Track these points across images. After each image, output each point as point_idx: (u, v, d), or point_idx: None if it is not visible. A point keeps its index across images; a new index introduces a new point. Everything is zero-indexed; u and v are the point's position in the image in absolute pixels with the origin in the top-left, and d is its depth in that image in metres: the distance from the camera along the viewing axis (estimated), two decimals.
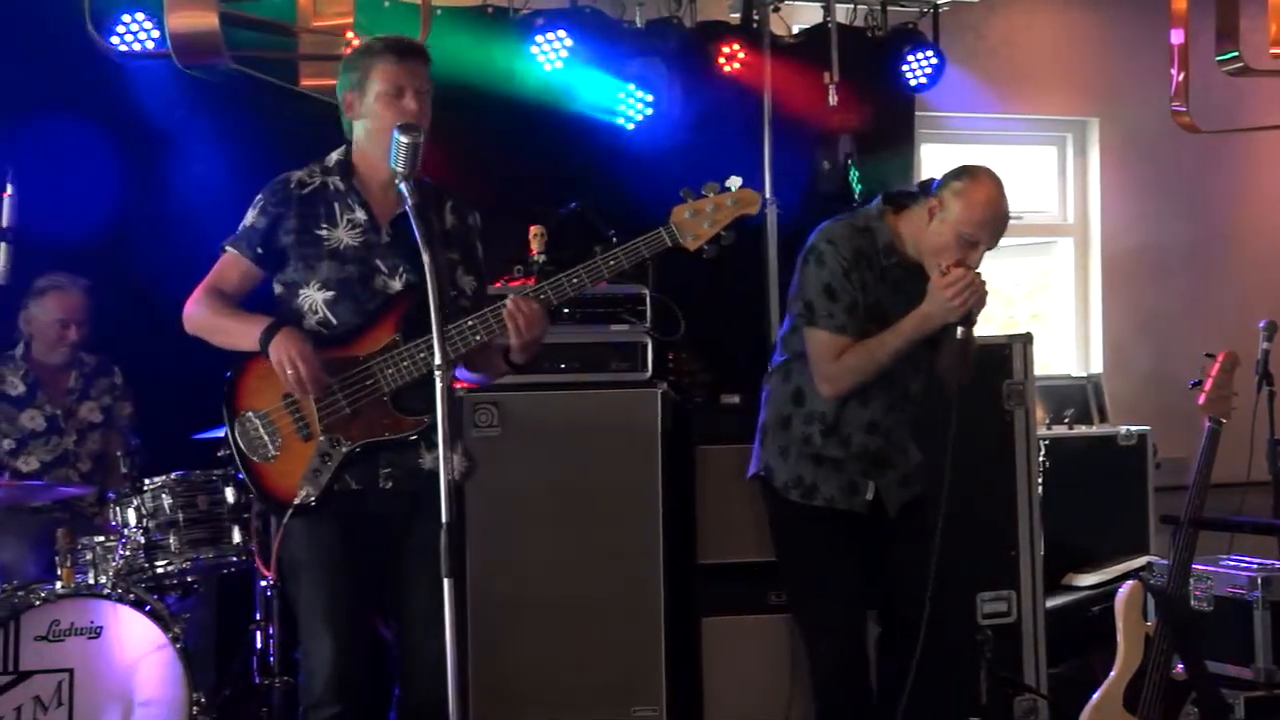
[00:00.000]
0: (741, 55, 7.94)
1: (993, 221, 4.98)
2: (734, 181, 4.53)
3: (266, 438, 4.44)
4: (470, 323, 4.39)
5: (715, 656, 6.50)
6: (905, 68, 8.17)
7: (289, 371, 4.31)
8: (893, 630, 5.29)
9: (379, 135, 4.39)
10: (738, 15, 8.15)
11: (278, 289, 4.56)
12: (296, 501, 4.37)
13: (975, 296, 4.89)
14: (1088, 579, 7.40)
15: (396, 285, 4.46)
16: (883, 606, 5.36)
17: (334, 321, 4.45)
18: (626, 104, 7.71)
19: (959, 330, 4.91)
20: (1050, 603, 6.82)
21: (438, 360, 3.76)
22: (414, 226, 3.88)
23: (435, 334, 3.77)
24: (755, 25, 8.07)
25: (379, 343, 4.41)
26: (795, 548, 5.36)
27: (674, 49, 7.89)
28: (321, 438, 4.39)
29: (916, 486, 5.30)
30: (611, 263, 4.46)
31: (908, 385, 5.23)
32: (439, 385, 3.77)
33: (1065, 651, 6.87)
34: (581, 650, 6.29)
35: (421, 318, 4.08)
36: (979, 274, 4.94)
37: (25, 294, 6.37)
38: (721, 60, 7.94)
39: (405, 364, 4.38)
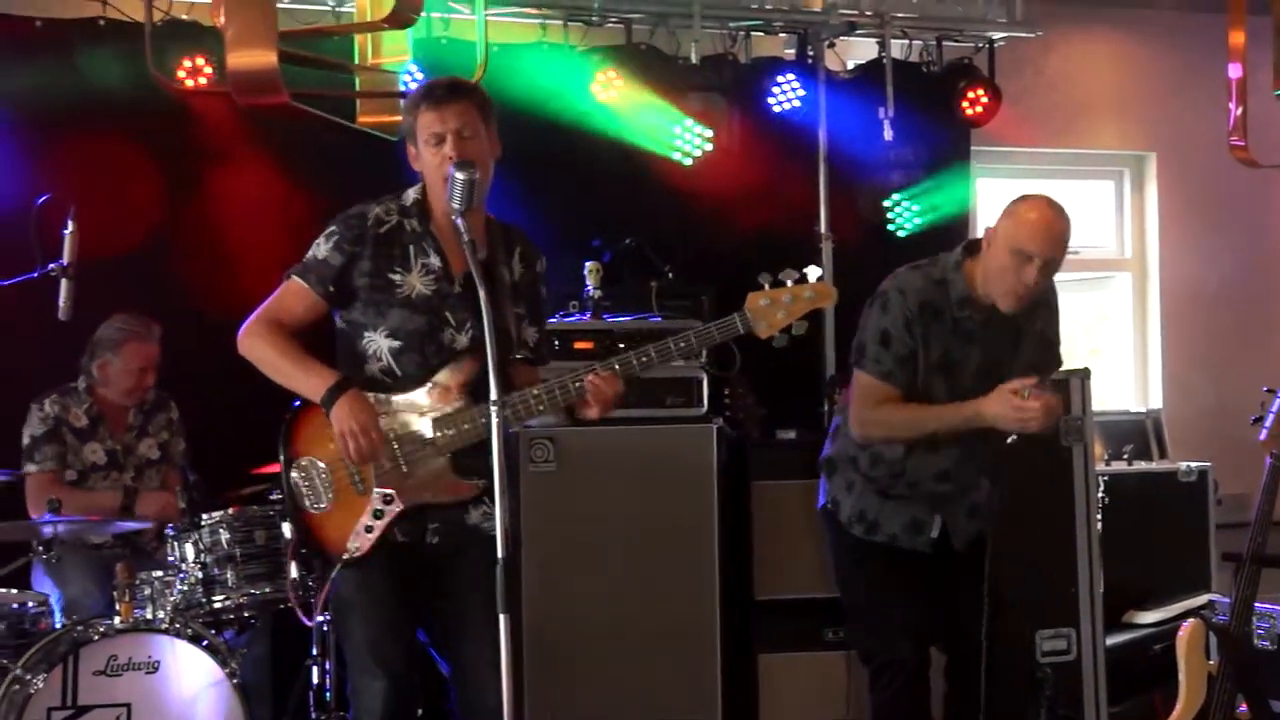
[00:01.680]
0: (796, 91, 7.94)
1: (1043, 234, 4.90)
2: (812, 272, 4.49)
3: (321, 488, 4.40)
4: (536, 392, 4.34)
5: (772, 693, 6.47)
6: (961, 102, 8.15)
7: (350, 444, 4.27)
8: (957, 661, 5.25)
9: (434, 182, 4.38)
10: (792, 51, 8.15)
11: (341, 324, 4.50)
12: (346, 556, 4.34)
13: (1038, 425, 4.84)
14: (1149, 617, 7.31)
15: (463, 341, 4.40)
16: (946, 638, 5.32)
17: (398, 373, 4.40)
18: (684, 139, 7.71)
19: (1011, 436, 4.90)
20: (1111, 641, 6.76)
21: (493, 428, 3.80)
22: (480, 292, 3.89)
23: (494, 390, 3.78)
24: (810, 61, 8.07)
25: (441, 402, 4.36)
26: (857, 581, 5.34)
27: (728, 85, 7.91)
28: (376, 493, 4.35)
29: (984, 519, 5.24)
30: (683, 344, 4.43)
31: (984, 435, 5.12)
32: (495, 453, 3.80)
33: (1126, 690, 6.79)
34: (637, 686, 6.27)
35: (486, 380, 4.07)
36: (1057, 404, 4.90)
37: (96, 340, 6.37)
38: (776, 96, 7.94)
39: (466, 427, 4.34)
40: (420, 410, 4.37)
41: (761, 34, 8.17)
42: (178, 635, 5.48)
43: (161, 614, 5.64)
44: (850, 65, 8.31)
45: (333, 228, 4.46)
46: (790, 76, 7.95)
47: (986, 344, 5.03)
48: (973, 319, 5.07)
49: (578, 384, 4.33)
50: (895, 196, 8.10)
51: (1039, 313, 5.13)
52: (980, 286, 5.04)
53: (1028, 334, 5.11)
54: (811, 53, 8.09)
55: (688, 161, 7.71)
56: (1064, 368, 5.99)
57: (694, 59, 7.85)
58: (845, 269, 7.53)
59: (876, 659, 5.25)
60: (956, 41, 8.35)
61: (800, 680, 6.48)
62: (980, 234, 5.12)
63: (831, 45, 8.12)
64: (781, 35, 8.25)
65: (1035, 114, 8.84)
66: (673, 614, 6.31)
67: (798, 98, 7.95)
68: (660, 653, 6.29)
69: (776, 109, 7.96)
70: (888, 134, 7.98)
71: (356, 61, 6.10)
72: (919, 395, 5.06)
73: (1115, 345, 9.46)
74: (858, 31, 8.13)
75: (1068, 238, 4.99)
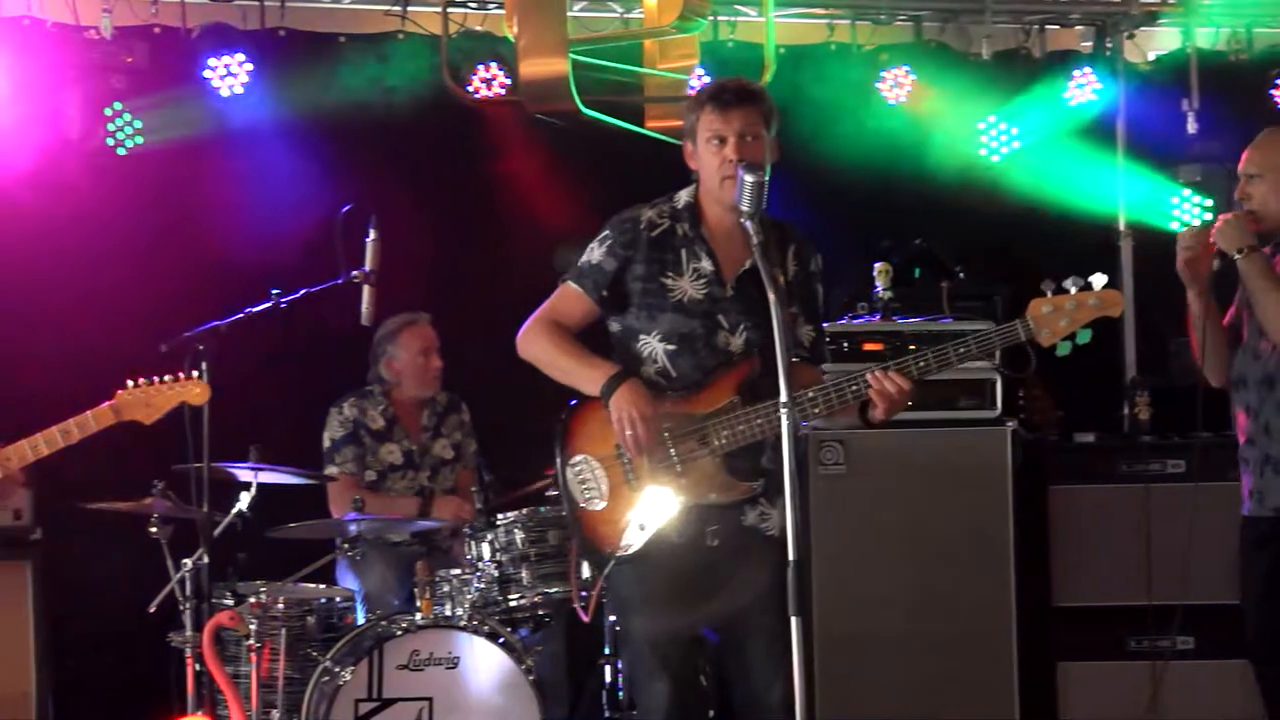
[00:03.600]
0: (1094, 84, 7.75)
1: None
2: (1098, 280, 4.37)
3: (596, 485, 4.42)
4: (811, 395, 4.30)
5: (1071, 702, 6.33)
6: (1274, 93, 7.81)
7: (628, 432, 4.29)
8: None
9: (711, 184, 4.36)
10: (1089, 44, 7.96)
11: (614, 327, 4.52)
12: (620, 553, 4.37)
13: None
14: None
15: (738, 343, 4.39)
16: None
17: (673, 374, 4.41)
18: (990, 137, 7.62)
19: None
20: None
21: (784, 429, 3.76)
22: (769, 292, 3.84)
23: (783, 395, 3.76)
24: (1108, 52, 7.87)
25: (717, 402, 4.36)
26: None
27: (1021, 80, 7.77)
28: (650, 491, 4.34)
29: None
30: (963, 350, 4.34)
31: None
32: (786, 455, 3.76)
33: None
34: (929, 690, 6.20)
35: (761, 380, 4.09)
36: None
37: (376, 344, 6.57)
38: (1072, 90, 7.76)
39: (741, 428, 4.31)
40: (695, 411, 4.37)
41: (1057, 27, 8.00)
42: (476, 632, 5.60)
43: (460, 611, 5.77)
44: (1151, 56, 8.06)
45: (606, 232, 4.49)
46: (1087, 70, 7.78)
47: None
48: None
49: (854, 386, 4.29)
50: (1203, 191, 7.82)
51: None
52: None
53: None
54: (1110, 44, 7.89)
55: (993, 160, 7.60)
56: None
57: (986, 55, 7.73)
58: (1146, 268, 7.34)
59: None
60: (1271, 28, 8.01)
61: (1102, 690, 6.33)
62: None
63: (1131, 36, 7.90)
64: (1078, 28, 8.07)
65: None
66: (966, 619, 6.23)
67: (1095, 91, 7.76)
68: (953, 657, 6.21)
69: (1072, 103, 7.78)
70: (1191, 127, 7.75)
71: (644, 67, 6.15)
72: None
73: None
74: (1160, 21, 7.89)
75: None
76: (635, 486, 4.36)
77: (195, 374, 4.29)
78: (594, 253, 4.47)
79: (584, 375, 4.40)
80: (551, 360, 4.47)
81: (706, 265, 4.41)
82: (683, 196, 4.49)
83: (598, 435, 4.39)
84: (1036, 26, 7.90)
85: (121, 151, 7.00)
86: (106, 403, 4.15)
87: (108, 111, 6.98)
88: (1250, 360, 4.93)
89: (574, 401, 4.46)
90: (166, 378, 4.22)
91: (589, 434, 4.42)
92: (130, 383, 4.19)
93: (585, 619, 4.80)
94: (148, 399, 4.20)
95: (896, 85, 7.52)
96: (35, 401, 6.07)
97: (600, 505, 4.41)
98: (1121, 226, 7.72)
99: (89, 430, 4.12)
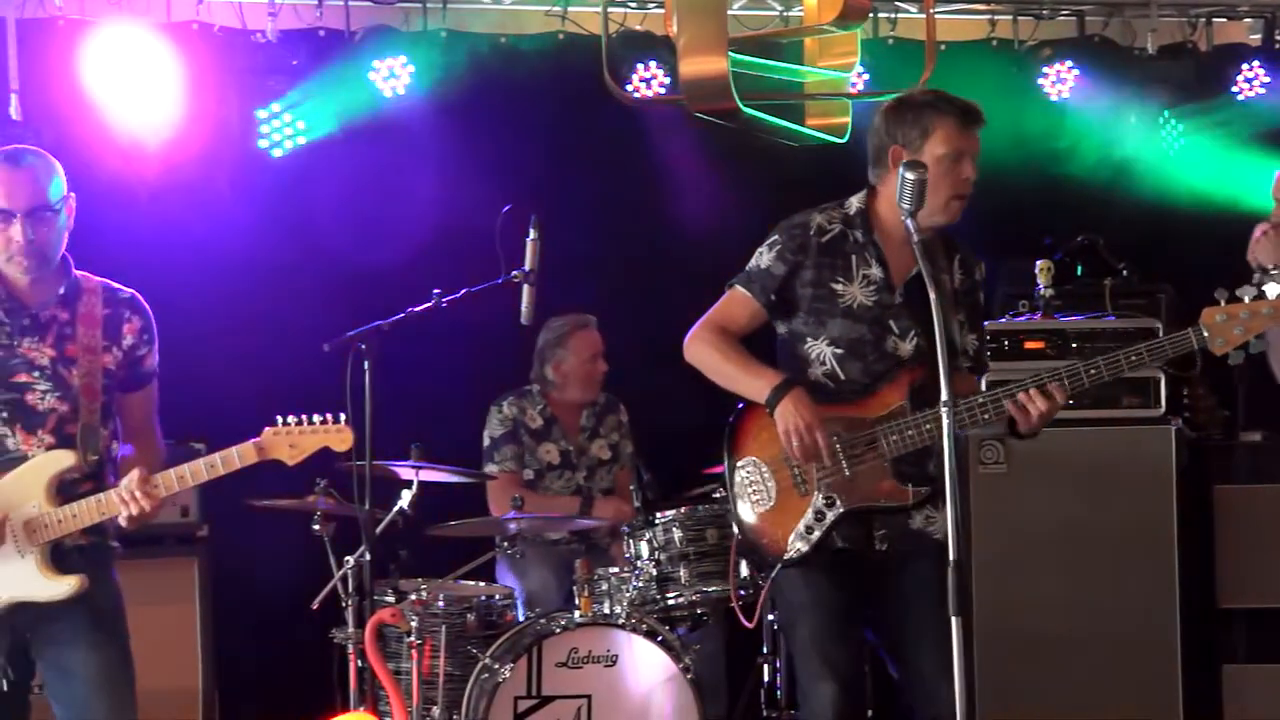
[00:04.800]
0: (1262, 78, 7.59)
1: None
2: (1271, 289, 4.33)
3: (763, 488, 4.42)
4: (981, 401, 4.29)
5: (1238, 705, 6.21)
6: None
7: (794, 442, 4.29)
8: None
9: (934, 199, 4.21)
10: (1258, 36, 7.80)
11: (781, 331, 4.52)
12: (786, 556, 4.37)
13: None
14: None
15: (907, 348, 4.38)
16: None
17: (841, 377, 4.40)
18: (1156, 132, 7.52)
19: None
20: None
21: (945, 429, 3.75)
22: (930, 295, 3.82)
23: (944, 394, 3.74)
24: (1277, 45, 7.70)
25: (886, 407, 4.35)
26: None
27: (1188, 75, 7.63)
28: (818, 495, 4.35)
29: None
30: (1134, 358, 4.30)
31: None
32: (946, 454, 3.75)
33: None
34: (1092, 691, 6.14)
35: (930, 385, 4.08)
36: None
37: (543, 345, 6.63)
38: (1240, 84, 7.61)
39: (910, 433, 4.30)
40: (864, 415, 4.35)
41: (1224, 20, 7.85)
42: (634, 630, 5.62)
43: (619, 609, 5.79)
44: None
45: (775, 237, 4.48)
46: (1256, 63, 7.62)
47: None
48: None
49: (1021, 394, 4.25)
50: None
51: None
52: None
53: None
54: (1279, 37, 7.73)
55: (1159, 156, 7.48)
56: None
57: (1151, 49, 7.60)
58: None
59: None
60: None
61: (1271, 693, 6.20)
62: None
63: None
64: (1246, 20, 7.91)
65: None
66: (1129, 620, 6.15)
67: (1264, 85, 7.60)
68: (1116, 659, 6.14)
69: (1241, 98, 7.63)
70: None
71: (805, 64, 6.12)
72: None
73: None
74: None
75: None
76: (803, 491, 4.36)
77: (343, 418, 4.33)
78: (763, 258, 4.47)
79: (750, 383, 4.40)
80: (717, 367, 4.47)
81: (876, 272, 4.39)
82: (854, 202, 4.48)
83: (765, 438, 4.39)
84: (1203, 19, 7.75)
85: (277, 153, 7.11)
86: (251, 440, 4.23)
87: (263, 113, 7.08)
88: None
89: (741, 404, 4.47)
90: (316, 418, 4.28)
91: (757, 437, 4.43)
92: (279, 419, 4.26)
93: (748, 625, 4.81)
94: (292, 441, 4.26)
95: (1059, 81, 7.43)
96: (202, 407, 6.24)
97: (767, 508, 4.42)
98: None
99: (233, 467, 4.20)
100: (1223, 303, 4.28)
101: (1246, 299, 4.27)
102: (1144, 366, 4.36)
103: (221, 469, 4.21)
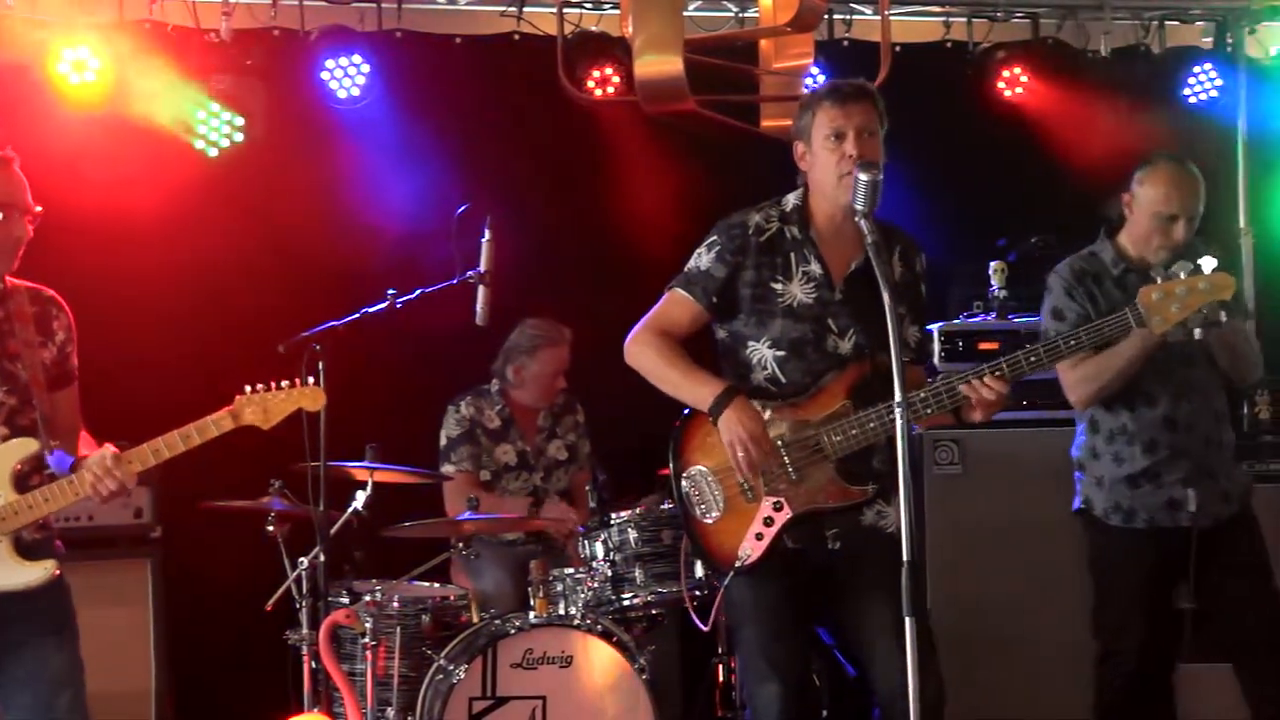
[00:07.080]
0: (1214, 81, 7.65)
1: (1180, 195, 5.01)
2: (1207, 263, 4.33)
3: (711, 497, 4.41)
4: (923, 395, 4.29)
5: (1191, 706, 6.24)
6: None
7: (739, 453, 4.27)
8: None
9: (825, 182, 4.34)
10: (1210, 40, 7.85)
11: (722, 334, 4.52)
12: (737, 565, 4.35)
13: None
14: None
15: (846, 347, 4.38)
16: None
17: (783, 380, 4.39)
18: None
19: (1196, 333, 4.51)
20: None
21: (899, 429, 3.77)
22: (885, 300, 3.84)
23: (897, 395, 3.76)
24: (1229, 49, 7.75)
25: (828, 407, 4.34)
26: (1109, 572, 5.32)
27: (1140, 78, 7.67)
28: (766, 501, 4.35)
29: (1236, 505, 5.20)
30: (1072, 342, 4.37)
31: (1188, 375, 5.07)
32: (900, 450, 3.77)
33: None
34: (1047, 691, 6.16)
35: (872, 383, 4.13)
36: None
37: (511, 345, 6.60)
38: (1192, 86, 7.66)
39: (854, 432, 4.30)
40: (807, 417, 4.35)
41: (1176, 23, 7.90)
42: (589, 631, 5.62)
43: (574, 610, 5.79)
44: (1274, 52, 7.94)
45: (714, 237, 4.47)
46: (1207, 66, 7.68)
47: None
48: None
49: (964, 385, 4.27)
50: None
51: None
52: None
53: None
54: (1231, 40, 7.78)
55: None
56: None
57: (1104, 52, 7.65)
58: (1272, 263, 7.23)
59: (1104, 646, 5.34)
60: None
61: (1223, 693, 6.22)
62: None
63: (1252, 31, 7.79)
64: (1198, 24, 7.95)
65: None
66: (1083, 620, 6.15)
67: (1215, 88, 7.66)
68: (1071, 659, 6.14)
69: (1192, 100, 7.68)
70: None
71: (760, 66, 6.13)
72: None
73: None
74: None
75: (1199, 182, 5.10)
76: (750, 498, 4.36)
77: (311, 380, 4.32)
78: (702, 259, 4.46)
79: (692, 391, 4.39)
80: (659, 372, 4.45)
81: (815, 268, 4.40)
82: (790, 199, 4.48)
83: (711, 445, 4.39)
84: (1156, 23, 7.80)
85: (213, 152, 6.98)
86: (224, 409, 4.21)
87: (201, 113, 6.95)
88: None
89: (686, 411, 4.46)
90: (284, 383, 4.27)
91: (702, 445, 4.43)
92: (248, 388, 4.25)
93: (704, 628, 4.81)
94: (264, 405, 4.24)
95: (1013, 83, 7.46)
96: (153, 407, 6.16)
97: (716, 517, 4.41)
98: (1242, 224, 7.62)
99: (208, 436, 4.18)
100: (1159, 280, 4.31)
101: (1183, 274, 4.29)
102: (1083, 349, 4.42)
103: (198, 439, 4.19)
